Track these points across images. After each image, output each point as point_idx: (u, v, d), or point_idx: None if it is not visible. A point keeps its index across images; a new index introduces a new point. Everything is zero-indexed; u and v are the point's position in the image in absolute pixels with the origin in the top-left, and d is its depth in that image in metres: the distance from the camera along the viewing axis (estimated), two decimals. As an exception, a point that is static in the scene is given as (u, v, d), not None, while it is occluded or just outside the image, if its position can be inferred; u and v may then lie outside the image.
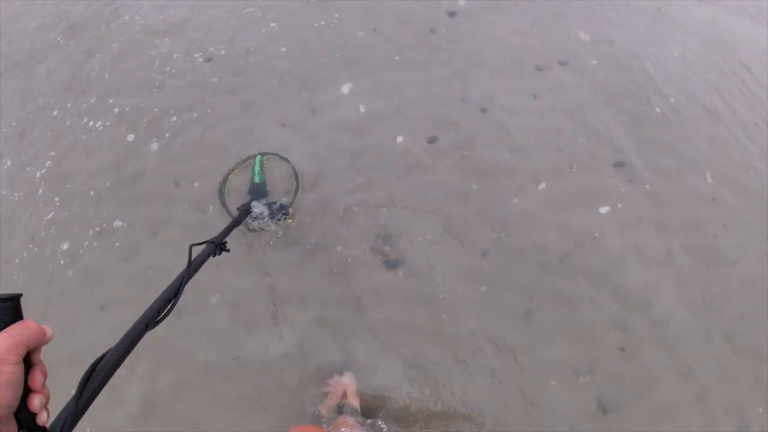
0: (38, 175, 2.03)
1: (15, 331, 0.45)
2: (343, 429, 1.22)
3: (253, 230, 1.73)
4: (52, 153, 2.09)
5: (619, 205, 1.78)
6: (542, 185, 1.82)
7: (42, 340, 0.48)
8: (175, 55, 2.33)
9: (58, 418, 0.52)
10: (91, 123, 2.15)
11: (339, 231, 1.74)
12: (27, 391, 0.47)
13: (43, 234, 1.89)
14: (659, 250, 1.70)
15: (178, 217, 1.85)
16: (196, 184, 1.90)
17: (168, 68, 2.28)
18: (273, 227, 1.72)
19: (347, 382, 1.38)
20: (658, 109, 2.03)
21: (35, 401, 0.47)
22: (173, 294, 0.79)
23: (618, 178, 1.84)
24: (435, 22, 2.30)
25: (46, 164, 2.07)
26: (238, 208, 1.68)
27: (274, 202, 1.74)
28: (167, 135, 2.03)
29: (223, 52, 2.29)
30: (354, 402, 1.35)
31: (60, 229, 1.89)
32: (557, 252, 1.69)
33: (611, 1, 2.48)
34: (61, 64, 2.44)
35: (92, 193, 1.95)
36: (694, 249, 1.71)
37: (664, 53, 2.27)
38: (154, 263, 1.77)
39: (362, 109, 2.01)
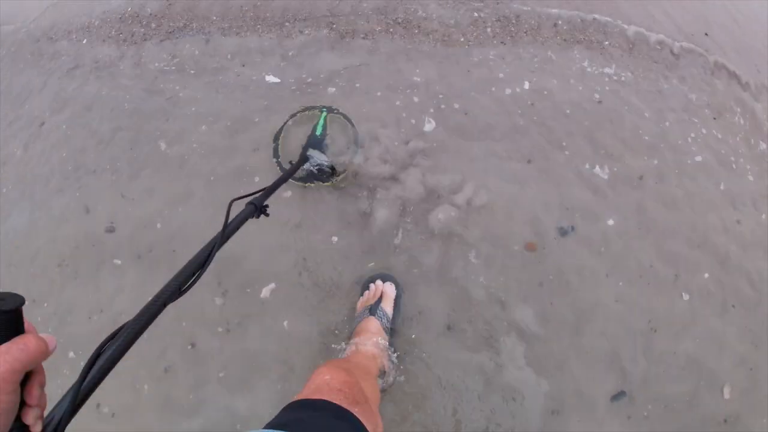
0: None
1: (11, 353, 0.38)
2: (360, 337, 1.26)
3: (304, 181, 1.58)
4: None
5: None
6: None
7: (43, 358, 0.41)
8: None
9: (54, 411, 0.45)
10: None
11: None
12: (22, 400, 0.41)
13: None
14: None
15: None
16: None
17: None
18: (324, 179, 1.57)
19: (388, 289, 1.40)
20: None
21: (29, 416, 0.42)
22: (202, 263, 0.68)
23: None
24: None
25: None
26: (290, 162, 1.52)
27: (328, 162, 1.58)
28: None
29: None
30: (388, 308, 1.37)
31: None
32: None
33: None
34: None
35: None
36: None
37: None
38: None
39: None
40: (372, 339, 1.28)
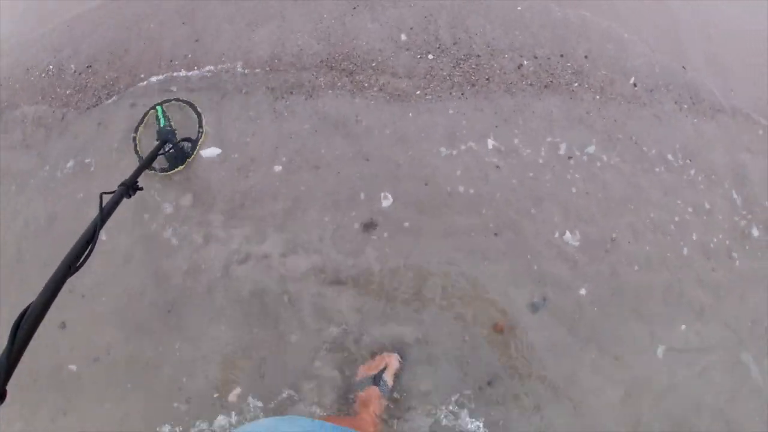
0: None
1: None
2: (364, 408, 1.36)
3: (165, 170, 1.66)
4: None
5: None
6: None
7: None
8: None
9: None
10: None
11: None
12: None
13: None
14: None
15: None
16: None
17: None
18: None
19: (393, 360, 1.45)
20: None
21: None
22: (89, 239, 0.83)
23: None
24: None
25: None
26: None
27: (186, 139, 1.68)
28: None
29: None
30: (390, 380, 1.42)
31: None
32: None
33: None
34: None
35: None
36: None
37: None
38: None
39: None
40: (373, 408, 1.37)
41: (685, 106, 1.83)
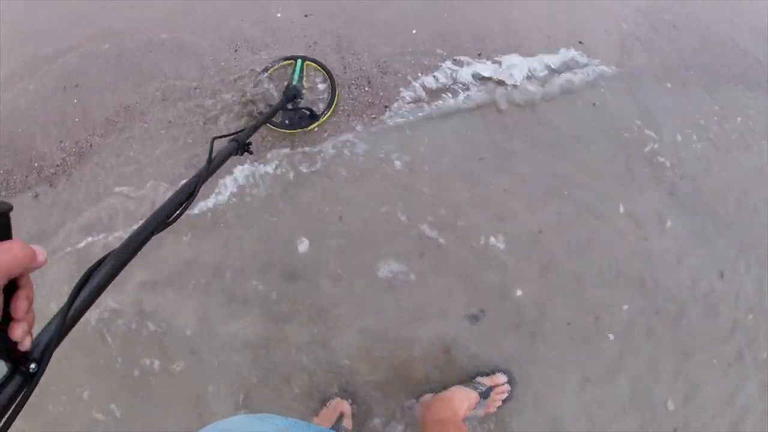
0: None
1: None
2: None
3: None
4: None
5: None
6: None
7: (30, 267, 0.40)
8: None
9: (42, 335, 0.45)
10: None
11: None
12: (7, 316, 0.40)
13: None
14: None
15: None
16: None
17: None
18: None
19: (345, 406, 1.43)
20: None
21: (17, 330, 0.40)
22: (188, 194, 0.72)
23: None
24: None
25: None
26: (269, 105, 1.63)
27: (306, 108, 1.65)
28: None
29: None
30: (348, 425, 1.40)
31: None
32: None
33: None
34: None
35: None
36: None
37: None
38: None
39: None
40: None
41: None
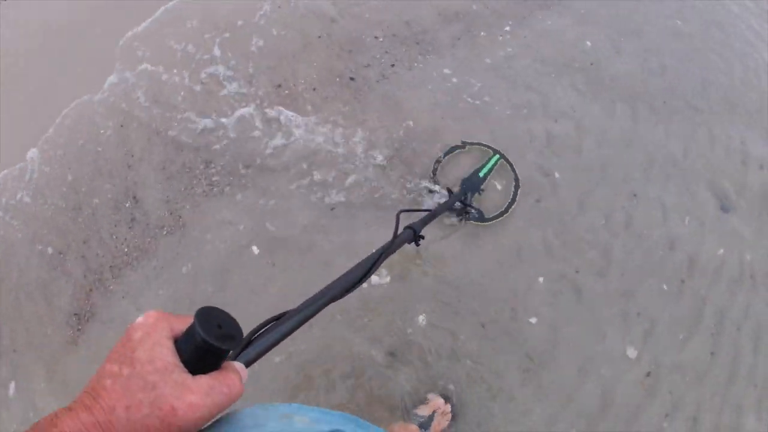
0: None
1: (213, 396, 0.33)
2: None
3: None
4: None
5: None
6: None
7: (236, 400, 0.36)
8: None
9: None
10: None
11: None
12: None
13: None
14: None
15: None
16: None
17: None
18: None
19: (444, 406, 1.37)
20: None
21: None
22: (369, 268, 0.77)
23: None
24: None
25: None
26: (448, 189, 1.52)
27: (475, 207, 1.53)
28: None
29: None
30: (438, 427, 1.35)
31: None
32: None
33: None
34: None
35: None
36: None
37: None
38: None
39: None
40: None
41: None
